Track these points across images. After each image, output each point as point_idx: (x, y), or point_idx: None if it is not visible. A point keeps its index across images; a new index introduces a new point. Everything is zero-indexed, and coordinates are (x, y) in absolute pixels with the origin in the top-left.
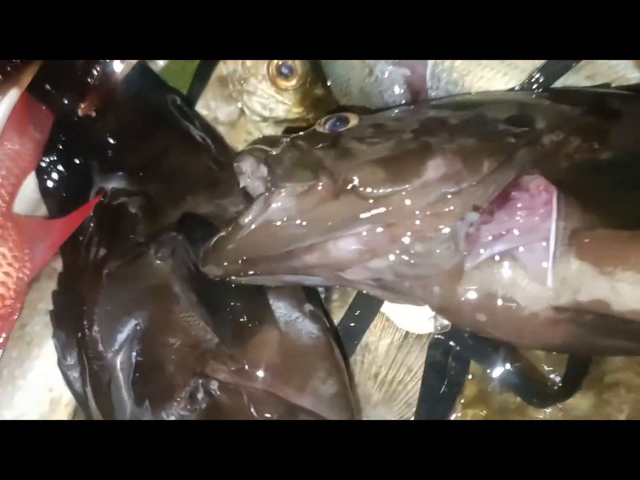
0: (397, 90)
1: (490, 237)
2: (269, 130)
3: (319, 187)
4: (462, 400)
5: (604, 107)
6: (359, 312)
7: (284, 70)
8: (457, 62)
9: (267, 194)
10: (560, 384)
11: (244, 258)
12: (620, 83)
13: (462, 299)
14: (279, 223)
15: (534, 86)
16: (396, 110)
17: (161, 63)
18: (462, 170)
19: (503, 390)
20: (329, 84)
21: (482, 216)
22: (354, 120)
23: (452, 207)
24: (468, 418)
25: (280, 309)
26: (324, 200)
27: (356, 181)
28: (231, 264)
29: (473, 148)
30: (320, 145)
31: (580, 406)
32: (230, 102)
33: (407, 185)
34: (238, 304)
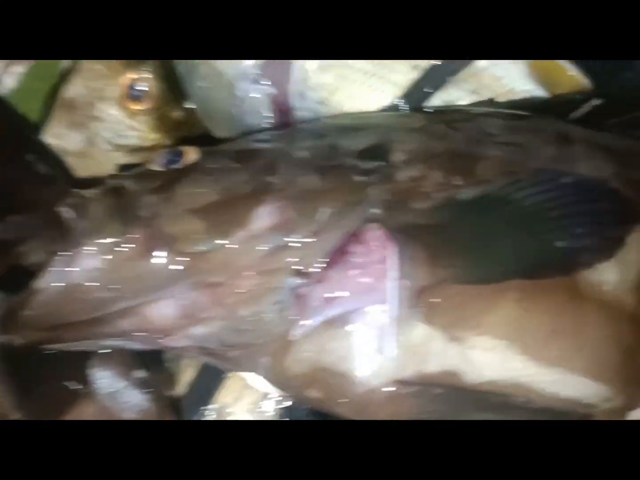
0: (263, 111)
1: (320, 301)
2: (123, 160)
3: (131, 243)
4: None
5: (477, 131)
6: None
7: (135, 93)
8: (325, 79)
9: (69, 252)
10: None
11: (48, 325)
12: (507, 98)
13: (291, 373)
14: (83, 286)
15: (408, 104)
16: (247, 141)
17: (12, 84)
18: (296, 218)
19: None
20: (192, 105)
21: (314, 275)
22: (192, 155)
23: (282, 264)
24: None
25: (103, 378)
26: (137, 258)
27: (172, 235)
28: (34, 332)
29: (313, 190)
30: (144, 188)
31: None
32: (78, 129)
33: (230, 239)
34: (53, 376)
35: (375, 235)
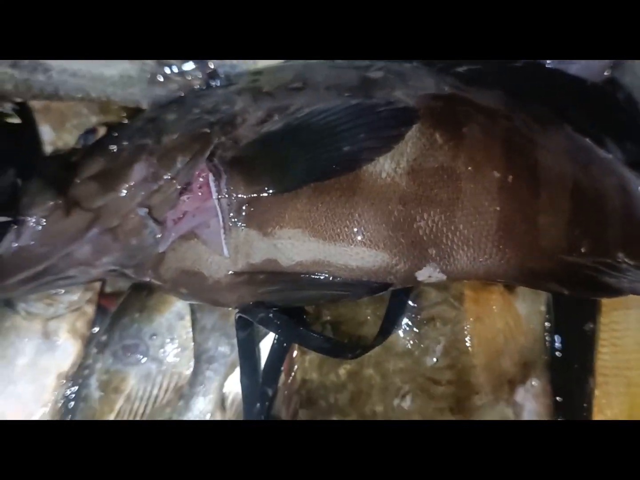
0: None
1: (173, 222)
2: None
3: (56, 209)
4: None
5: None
6: None
7: None
8: None
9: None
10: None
11: (15, 279)
12: None
13: (166, 277)
14: (31, 245)
15: None
16: (146, 112)
17: None
18: (159, 169)
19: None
20: None
21: (172, 204)
22: (101, 131)
23: (154, 202)
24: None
25: None
26: (61, 219)
27: (78, 197)
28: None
29: (171, 145)
30: (65, 165)
31: (400, 342)
32: None
33: (117, 193)
34: None
35: (201, 172)
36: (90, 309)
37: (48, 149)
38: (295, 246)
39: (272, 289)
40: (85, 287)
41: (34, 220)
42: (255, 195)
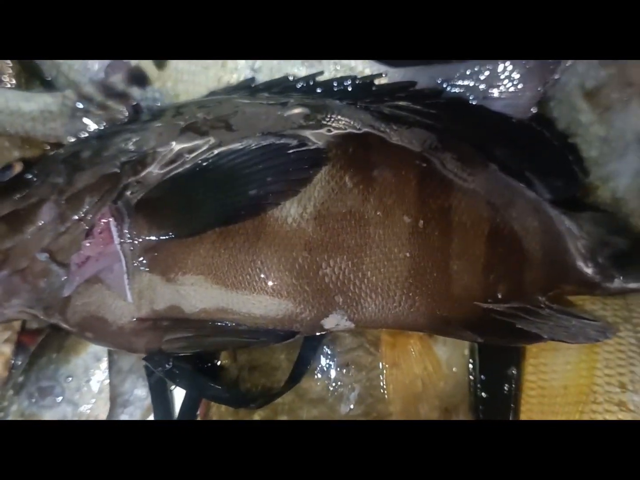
0: None
1: (77, 266)
2: None
3: None
4: None
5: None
6: None
7: None
8: None
9: None
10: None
11: None
12: None
13: (72, 321)
14: None
15: None
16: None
17: None
18: (66, 210)
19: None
20: None
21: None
22: (18, 167)
23: (60, 245)
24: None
25: None
26: None
27: None
28: None
29: (81, 185)
30: None
31: (313, 388)
32: None
33: (25, 235)
34: None
35: (105, 213)
36: (7, 349)
37: None
38: (199, 293)
39: (177, 336)
40: (3, 326)
41: None
42: (159, 239)
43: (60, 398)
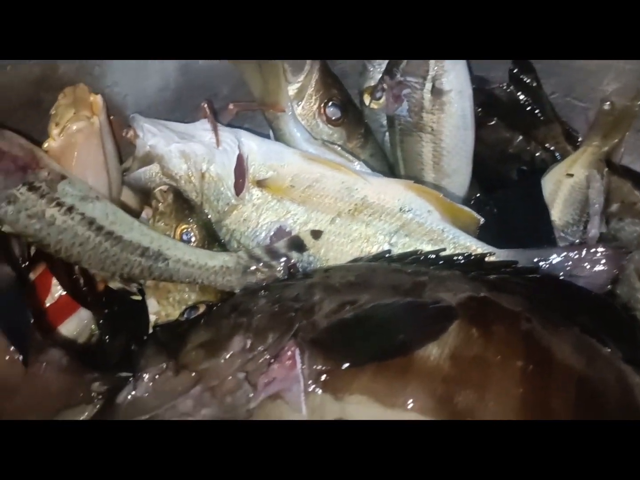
0: None
1: (263, 385)
2: None
3: (167, 370)
4: None
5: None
6: None
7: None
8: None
9: (132, 380)
10: None
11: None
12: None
13: None
14: (144, 397)
15: None
16: (239, 296)
17: None
18: (254, 342)
19: None
20: None
21: (263, 371)
22: (202, 308)
23: (247, 370)
24: None
25: None
26: (170, 378)
27: (186, 361)
28: None
29: (264, 325)
30: (175, 334)
31: None
32: None
33: (219, 359)
34: None
35: (289, 343)
36: None
37: (151, 317)
38: (361, 410)
39: None
40: None
41: (148, 377)
42: (330, 368)
43: None
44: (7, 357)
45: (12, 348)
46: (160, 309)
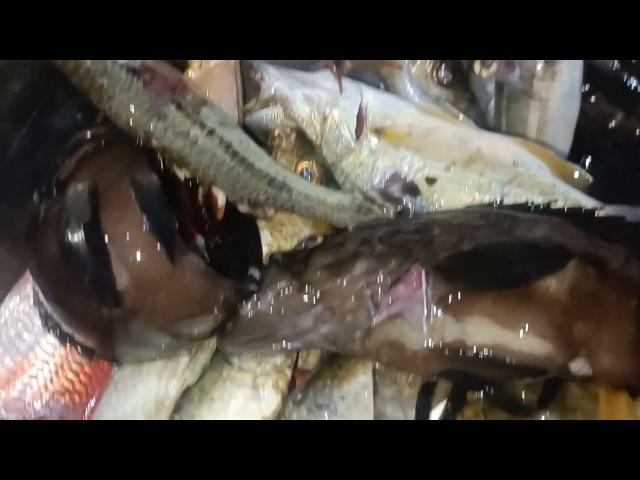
0: None
1: (387, 304)
2: None
3: (290, 289)
4: None
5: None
6: None
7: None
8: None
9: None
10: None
11: (247, 338)
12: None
13: (370, 347)
14: (267, 312)
15: None
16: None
17: None
18: (377, 267)
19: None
20: None
21: (385, 291)
22: (319, 239)
23: (370, 290)
24: None
25: None
26: (294, 296)
27: (310, 281)
28: (240, 344)
29: (386, 252)
30: (296, 259)
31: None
32: None
33: (342, 281)
34: None
35: (415, 266)
36: (289, 373)
37: (264, 249)
38: (481, 331)
39: (455, 365)
40: (286, 355)
41: (272, 293)
42: (452, 292)
43: (334, 412)
44: (155, 255)
45: (160, 246)
46: (272, 241)
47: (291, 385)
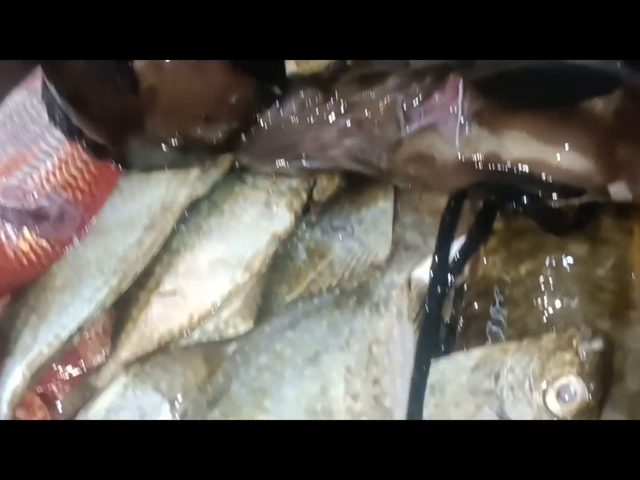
0: None
1: (419, 115)
2: None
3: (316, 98)
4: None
5: None
6: None
7: None
8: None
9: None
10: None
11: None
12: None
13: (398, 159)
14: (289, 119)
15: None
16: None
17: None
18: (411, 81)
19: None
20: None
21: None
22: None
23: (400, 102)
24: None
25: None
26: (319, 105)
27: (337, 92)
28: (258, 157)
29: (422, 69)
30: (323, 76)
31: (578, 250)
32: None
33: (372, 93)
34: None
35: (452, 77)
36: (304, 196)
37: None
38: (518, 144)
39: (487, 179)
40: (302, 179)
41: (298, 101)
42: (490, 106)
43: (349, 235)
44: None
45: None
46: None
47: (305, 211)
